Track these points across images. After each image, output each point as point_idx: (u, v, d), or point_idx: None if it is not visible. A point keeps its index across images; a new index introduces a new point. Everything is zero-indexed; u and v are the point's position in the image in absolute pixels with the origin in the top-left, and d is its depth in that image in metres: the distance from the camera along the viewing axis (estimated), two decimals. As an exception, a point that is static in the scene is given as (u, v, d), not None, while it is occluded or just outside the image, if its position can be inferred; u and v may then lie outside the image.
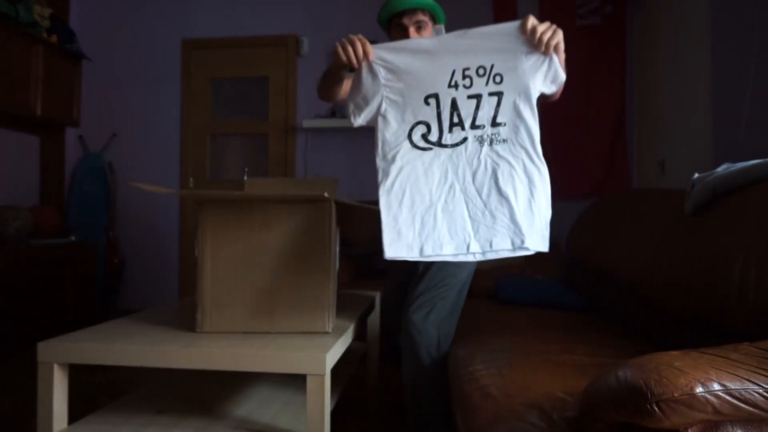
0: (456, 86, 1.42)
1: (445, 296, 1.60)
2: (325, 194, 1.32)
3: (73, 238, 3.65)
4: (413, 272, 1.69)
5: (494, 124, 1.41)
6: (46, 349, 1.25)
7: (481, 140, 1.40)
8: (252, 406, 1.46)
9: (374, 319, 1.99)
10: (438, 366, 1.56)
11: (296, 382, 1.57)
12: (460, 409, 1.22)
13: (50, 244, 3.38)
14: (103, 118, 4.19)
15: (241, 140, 4.24)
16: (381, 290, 2.09)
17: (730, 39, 2.44)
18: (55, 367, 1.24)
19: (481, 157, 1.40)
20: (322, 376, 1.18)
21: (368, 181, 3.14)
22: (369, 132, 1.58)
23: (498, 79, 1.40)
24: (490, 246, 1.37)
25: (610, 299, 1.93)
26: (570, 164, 3.69)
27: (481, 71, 1.40)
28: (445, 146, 1.41)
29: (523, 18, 1.38)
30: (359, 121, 1.46)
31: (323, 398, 1.18)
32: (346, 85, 1.60)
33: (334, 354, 1.26)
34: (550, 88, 1.43)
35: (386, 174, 1.41)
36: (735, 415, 0.70)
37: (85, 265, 3.62)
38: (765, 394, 0.69)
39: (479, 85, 1.40)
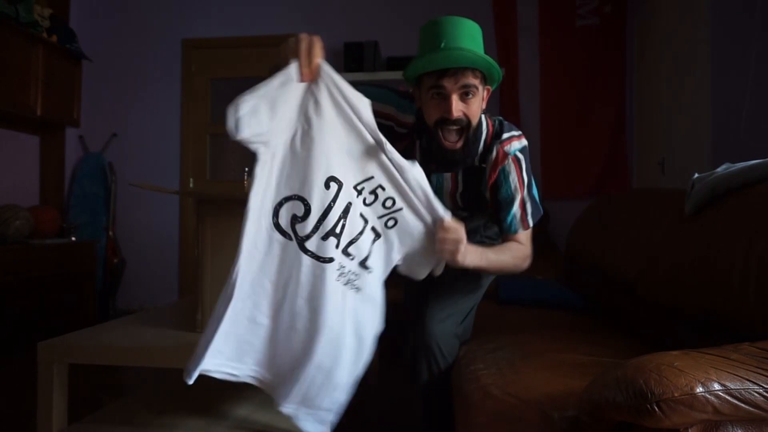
0: (359, 192, 1.13)
1: (466, 305, 1.52)
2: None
3: (73, 238, 3.65)
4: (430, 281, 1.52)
5: (363, 265, 1.14)
6: (46, 349, 1.25)
7: (342, 273, 1.11)
8: (252, 407, 1.46)
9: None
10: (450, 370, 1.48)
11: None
12: (461, 408, 1.22)
13: (50, 244, 3.38)
14: (103, 118, 4.19)
15: (241, 140, 4.24)
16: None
17: (730, 39, 2.44)
18: (55, 367, 1.24)
19: (331, 287, 1.09)
20: (322, 376, 1.17)
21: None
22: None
23: (391, 223, 1.17)
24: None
25: (610, 299, 1.93)
26: (570, 164, 3.69)
27: (388, 203, 1.16)
28: (306, 251, 1.07)
29: (444, 220, 1.18)
30: (243, 132, 1.01)
31: (323, 398, 1.18)
32: None
33: (334, 354, 1.26)
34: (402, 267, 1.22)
35: (239, 249, 1.05)
36: (735, 415, 0.70)
37: (85, 265, 3.62)
38: (765, 394, 0.69)
39: (375, 212, 1.16)
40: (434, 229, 1.18)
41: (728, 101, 2.41)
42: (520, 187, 1.41)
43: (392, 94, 1.48)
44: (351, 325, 1.14)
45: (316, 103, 1.06)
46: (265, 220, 1.06)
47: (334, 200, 1.08)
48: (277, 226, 1.06)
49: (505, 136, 1.42)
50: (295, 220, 1.06)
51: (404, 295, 1.73)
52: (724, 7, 2.50)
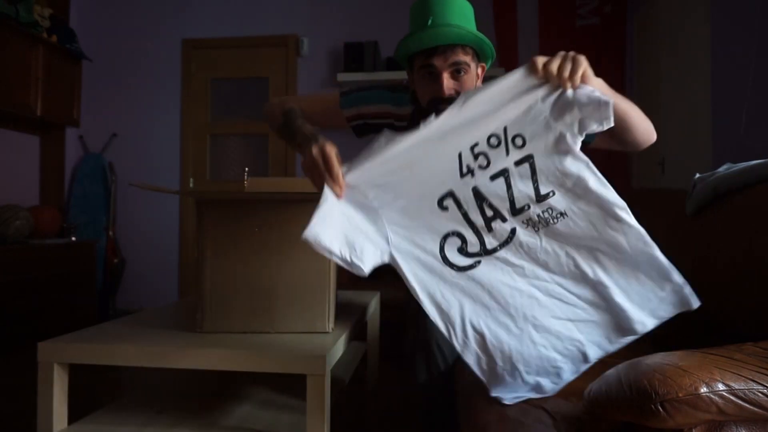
0: (471, 172, 1.04)
1: None
2: (326, 194, 1.31)
3: (73, 238, 3.65)
4: None
5: (539, 198, 1.03)
6: (46, 349, 1.24)
7: (533, 225, 1.03)
8: (252, 407, 1.45)
9: (374, 318, 1.98)
10: (452, 371, 1.45)
11: (296, 382, 1.57)
12: (464, 409, 1.22)
13: (50, 244, 3.38)
14: (103, 118, 4.18)
15: (241, 140, 4.24)
16: (381, 290, 2.09)
17: (730, 39, 2.44)
18: (55, 367, 1.24)
19: (544, 245, 1.03)
20: (322, 376, 1.17)
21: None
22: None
23: (519, 141, 1.03)
24: (609, 342, 1.05)
25: (611, 299, 1.93)
26: (570, 164, 3.68)
27: (494, 141, 1.04)
28: (494, 252, 1.04)
29: (530, 60, 1.04)
30: (366, 268, 1.01)
31: (323, 398, 1.18)
32: None
33: (334, 354, 1.26)
34: (595, 116, 1.01)
35: (450, 324, 1.04)
36: (739, 415, 0.70)
37: (85, 265, 3.62)
38: (769, 394, 0.69)
39: (499, 159, 1.03)
40: (539, 84, 1.02)
41: (728, 101, 2.41)
42: None
43: (384, 92, 1.47)
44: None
45: (373, 186, 1.05)
46: (456, 280, 1.05)
47: (459, 207, 1.05)
48: (461, 269, 1.05)
49: None
50: (462, 250, 1.05)
51: (405, 293, 1.72)
52: (724, 7, 2.49)
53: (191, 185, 4.13)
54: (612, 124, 1.01)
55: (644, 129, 1.21)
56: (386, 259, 1.04)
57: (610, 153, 4.20)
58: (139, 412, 1.41)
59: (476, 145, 1.04)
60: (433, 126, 1.04)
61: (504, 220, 1.04)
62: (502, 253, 1.04)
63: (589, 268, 1.02)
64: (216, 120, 4.22)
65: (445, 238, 1.05)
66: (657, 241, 1.04)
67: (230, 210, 1.38)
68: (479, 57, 1.31)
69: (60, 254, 3.41)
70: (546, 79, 1.01)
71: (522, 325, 1.03)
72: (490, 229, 1.04)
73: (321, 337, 1.34)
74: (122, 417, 1.37)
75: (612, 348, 1.05)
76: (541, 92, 1.02)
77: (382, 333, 2.05)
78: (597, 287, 1.02)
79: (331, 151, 1.04)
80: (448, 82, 1.25)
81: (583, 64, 0.99)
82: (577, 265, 1.02)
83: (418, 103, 1.37)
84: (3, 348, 2.89)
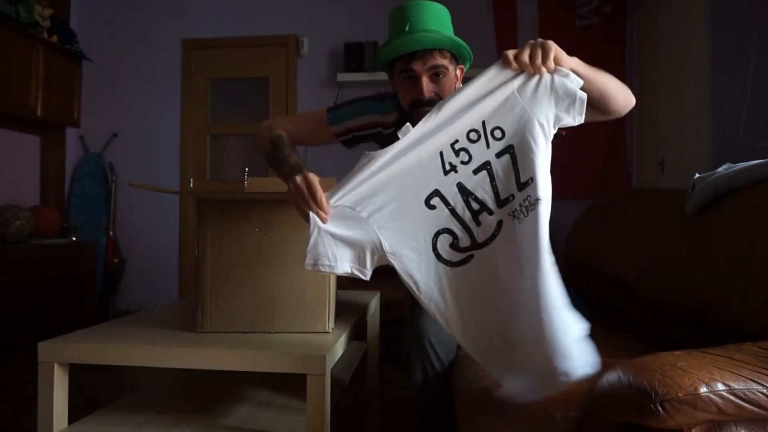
0: (453, 168, 1.07)
1: None
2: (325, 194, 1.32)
3: (73, 238, 3.65)
4: None
5: (521, 186, 1.05)
6: (46, 349, 1.24)
7: (516, 214, 1.04)
8: (252, 407, 1.45)
9: (374, 318, 1.99)
10: (449, 372, 1.46)
11: (296, 382, 1.57)
12: (463, 409, 1.22)
13: (50, 244, 3.38)
14: (103, 118, 4.18)
15: (241, 140, 4.24)
16: (381, 290, 2.09)
17: (730, 39, 2.44)
18: (55, 367, 1.24)
19: (525, 230, 1.03)
20: (323, 376, 1.17)
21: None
22: (369, 132, 1.56)
23: (498, 133, 1.06)
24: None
25: (610, 299, 1.93)
26: (570, 164, 3.68)
27: (473, 135, 1.06)
28: (485, 244, 1.06)
29: (502, 55, 1.06)
30: (368, 274, 1.08)
31: (323, 398, 1.18)
32: None
33: (334, 354, 1.26)
34: (570, 111, 1.05)
35: (446, 320, 1.07)
36: (739, 415, 0.70)
37: (85, 265, 3.62)
38: (768, 394, 0.69)
39: (480, 153, 1.06)
40: (513, 75, 1.04)
41: (728, 101, 2.41)
42: None
43: (370, 102, 1.51)
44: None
45: (358, 203, 1.07)
46: (451, 276, 1.07)
47: (447, 204, 1.07)
48: (455, 264, 1.07)
49: None
50: (454, 246, 1.07)
51: (405, 292, 1.71)
52: (724, 7, 2.49)
53: (191, 185, 4.13)
54: (582, 121, 1.06)
55: (623, 97, 1.24)
56: (385, 262, 1.07)
57: (611, 153, 4.15)
58: (139, 412, 1.41)
59: (456, 141, 1.06)
60: (411, 135, 1.07)
61: (491, 213, 1.06)
62: (493, 245, 1.05)
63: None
64: (216, 120, 4.22)
65: (436, 235, 1.07)
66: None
67: (230, 210, 1.38)
68: (457, 60, 1.35)
69: (60, 254, 3.41)
70: (520, 69, 1.03)
71: (508, 319, 1.03)
72: (478, 223, 1.06)
73: (321, 337, 1.34)
74: (122, 417, 1.37)
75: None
76: (516, 83, 1.04)
77: (382, 333, 2.05)
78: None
79: (314, 179, 1.07)
80: (427, 85, 1.29)
81: (553, 47, 1.01)
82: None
83: (402, 108, 1.42)
84: (3, 348, 2.89)
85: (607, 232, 2.08)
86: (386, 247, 1.07)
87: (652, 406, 0.68)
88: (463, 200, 1.07)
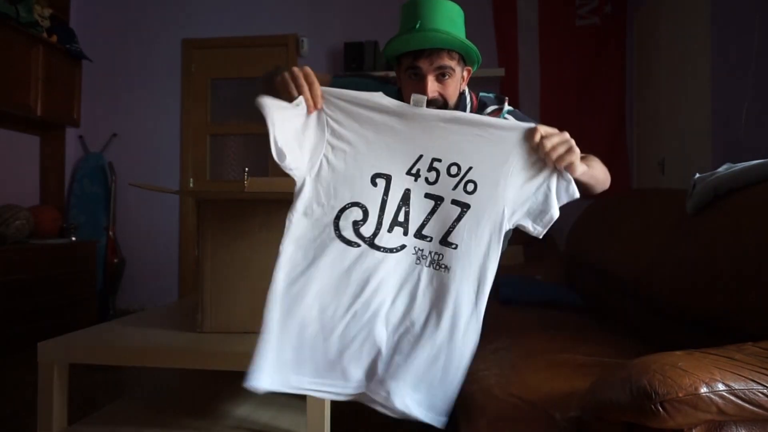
0: (416, 176, 1.07)
1: None
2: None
3: (73, 238, 3.65)
4: None
5: (444, 242, 1.05)
6: (46, 349, 1.24)
7: (421, 256, 1.05)
8: (252, 406, 1.45)
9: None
10: None
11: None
12: (463, 409, 1.22)
13: (50, 244, 3.38)
14: (103, 118, 4.18)
15: (241, 140, 4.24)
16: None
17: (730, 39, 2.44)
18: (55, 367, 1.24)
19: (422, 279, 1.05)
20: (323, 376, 1.17)
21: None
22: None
23: (471, 187, 1.05)
24: (388, 394, 1.03)
25: (610, 299, 1.93)
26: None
27: (453, 170, 1.06)
28: (377, 248, 1.05)
29: (534, 125, 1.06)
30: (286, 162, 1.04)
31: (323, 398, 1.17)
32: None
33: (334, 354, 1.26)
34: (537, 222, 1.06)
35: (292, 263, 1.04)
36: (739, 415, 0.70)
37: (85, 265, 3.62)
38: (769, 394, 0.69)
39: (445, 186, 1.06)
40: (528, 149, 1.05)
41: (728, 101, 2.41)
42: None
43: (374, 82, 1.51)
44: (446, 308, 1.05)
45: (335, 121, 1.08)
46: (324, 235, 1.05)
47: (385, 193, 1.07)
48: (341, 238, 1.05)
49: (489, 110, 1.42)
50: (356, 225, 1.06)
51: None
52: (724, 7, 2.49)
53: (191, 185, 4.13)
54: (540, 236, 1.07)
55: (603, 186, 1.30)
56: (299, 179, 1.07)
57: (611, 154, 4.15)
58: (139, 412, 1.41)
59: (438, 160, 1.06)
60: (421, 112, 1.07)
61: (405, 233, 1.06)
62: (381, 255, 1.05)
63: (434, 327, 1.03)
64: (216, 120, 4.22)
65: (354, 204, 1.06)
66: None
67: (230, 210, 1.38)
68: (465, 61, 1.34)
69: (60, 254, 3.40)
70: (536, 149, 1.04)
71: (335, 321, 1.03)
72: (390, 230, 1.06)
73: (321, 337, 1.33)
74: (122, 417, 1.37)
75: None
76: (521, 161, 1.05)
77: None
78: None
79: (309, 70, 1.07)
80: (432, 85, 1.28)
81: (576, 152, 1.03)
82: (426, 322, 1.03)
83: (402, 98, 1.41)
84: (3, 348, 2.89)
85: (607, 232, 2.08)
86: (315, 167, 1.06)
87: (652, 406, 0.68)
88: (398, 205, 1.06)
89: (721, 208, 1.31)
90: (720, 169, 1.41)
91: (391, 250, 1.06)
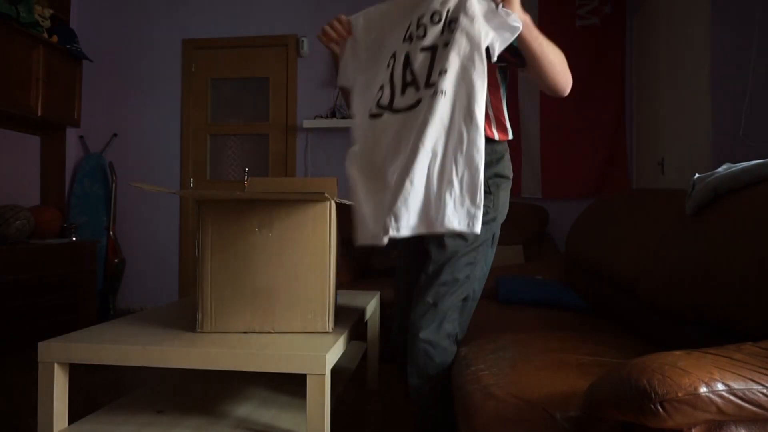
0: (410, 39, 1.24)
1: (457, 300, 1.39)
2: (325, 194, 1.32)
3: (73, 238, 3.65)
4: (417, 272, 1.43)
5: (441, 73, 1.17)
6: (46, 349, 1.24)
7: (435, 95, 1.17)
8: (252, 406, 1.45)
9: (374, 318, 1.98)
10: (446, 372, 1.41)
11: (296, 381, 1.57)
12: (462, 409, 1.22)
13: (50, 244, 3.38)
14: (104, 118, 4.19)
15: (241, 140, 4.24)
16: (381, 290, 2.09)
17: (730, 39, 2.44)
18: (55, 367, 1.24)
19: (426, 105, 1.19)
20: (322, 375, 1.17)
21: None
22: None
23: (453, 25, 1.17)
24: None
25: (610, 299, 1.93)
26: (570, 164, 3.68)
27: (436, 18, 1.20)
28: (397, 111, 1.23)
29: None
30: (341, 82, 1.40)
31: (323, 398, 1.18)
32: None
33: (334, 354, 1.26)
34: (501, 39, 1.17)
35: (352, 154, 1.30)
36: (739, 415, 0.70)
37: (85, 265, 3.62)
38: (768, 394, 0.69)
39: (433, 35, 1.20)
40: None
41: (728, 101, 2.41)
42: None
43: None
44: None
45: (362, 38, 1.39)
46: (365, 121, 1.29)
47: (390, 66, 1.26)
48: (371, 115, 1.28)
49: None
50: (378, 100, 1.27)
51: (393, 285, 1.70)
52: (724, 7, 2.49)
53: (191, 185, 4.13)
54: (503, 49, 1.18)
55: (551, 67, 1.33)
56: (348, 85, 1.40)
57: (610, 153, 4.16)
58: (139, 412, 1.41)
59: (422, 17, 1.22)
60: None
61: (417, 89, 1.21)
62: (402, 116, 1.21)
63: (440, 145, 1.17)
64: (216, 120, 4.22)
65: (378, 90, 1.28)
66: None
67: (230, 210, 1.38)
68: None
69: (60, 254, 3.40)
70: None
71: (389, 178, 1.18)
72: (403, 92, 1.23)
73: (321, 337, 1.34)
74: (122, 417, 1.37)
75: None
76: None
77: (382, 333, 2.06)
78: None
79: (334, 19, 1.47)
80: None
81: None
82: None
83: None
84: (3, 348, 2.89)
85: (607, 232, 2.08)
86: (358, 80, 1.36)
87: (652, 406, 0.68)
88: (403, 68, 1.23)
89: (721, 208, 1.31)
90: (720, 169, 1.41)
91: (409, 107, 1.21)
